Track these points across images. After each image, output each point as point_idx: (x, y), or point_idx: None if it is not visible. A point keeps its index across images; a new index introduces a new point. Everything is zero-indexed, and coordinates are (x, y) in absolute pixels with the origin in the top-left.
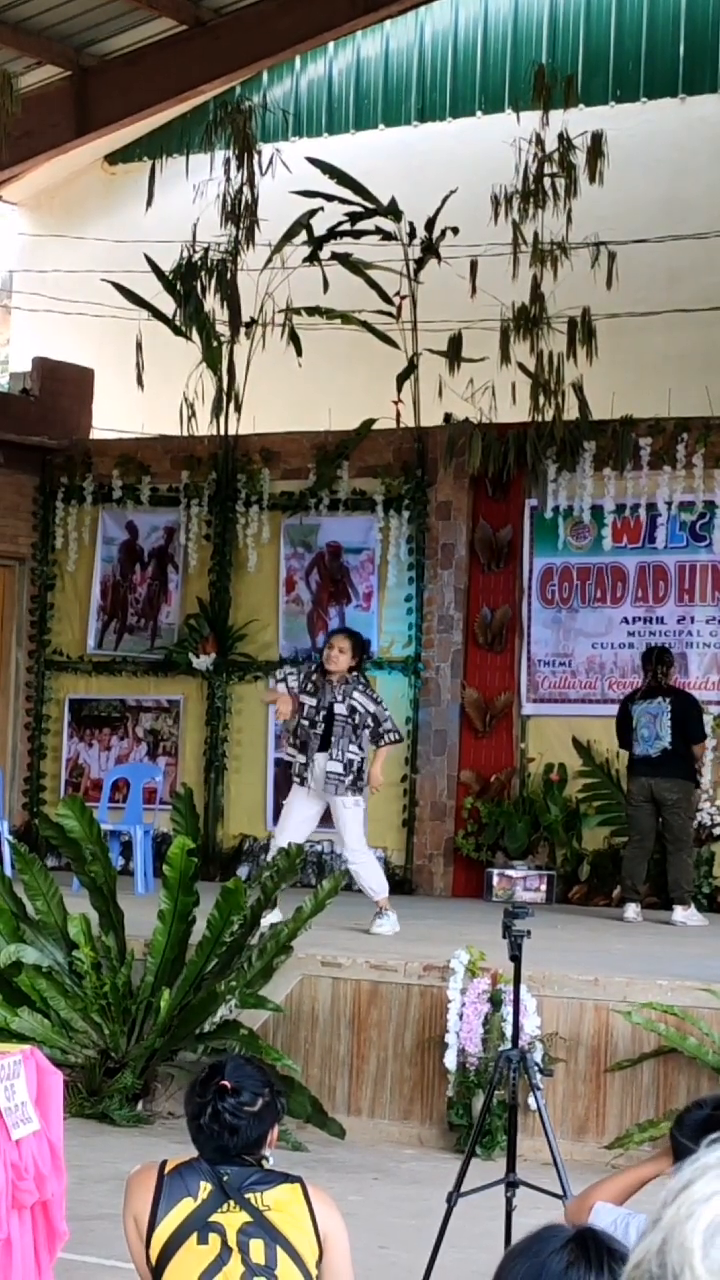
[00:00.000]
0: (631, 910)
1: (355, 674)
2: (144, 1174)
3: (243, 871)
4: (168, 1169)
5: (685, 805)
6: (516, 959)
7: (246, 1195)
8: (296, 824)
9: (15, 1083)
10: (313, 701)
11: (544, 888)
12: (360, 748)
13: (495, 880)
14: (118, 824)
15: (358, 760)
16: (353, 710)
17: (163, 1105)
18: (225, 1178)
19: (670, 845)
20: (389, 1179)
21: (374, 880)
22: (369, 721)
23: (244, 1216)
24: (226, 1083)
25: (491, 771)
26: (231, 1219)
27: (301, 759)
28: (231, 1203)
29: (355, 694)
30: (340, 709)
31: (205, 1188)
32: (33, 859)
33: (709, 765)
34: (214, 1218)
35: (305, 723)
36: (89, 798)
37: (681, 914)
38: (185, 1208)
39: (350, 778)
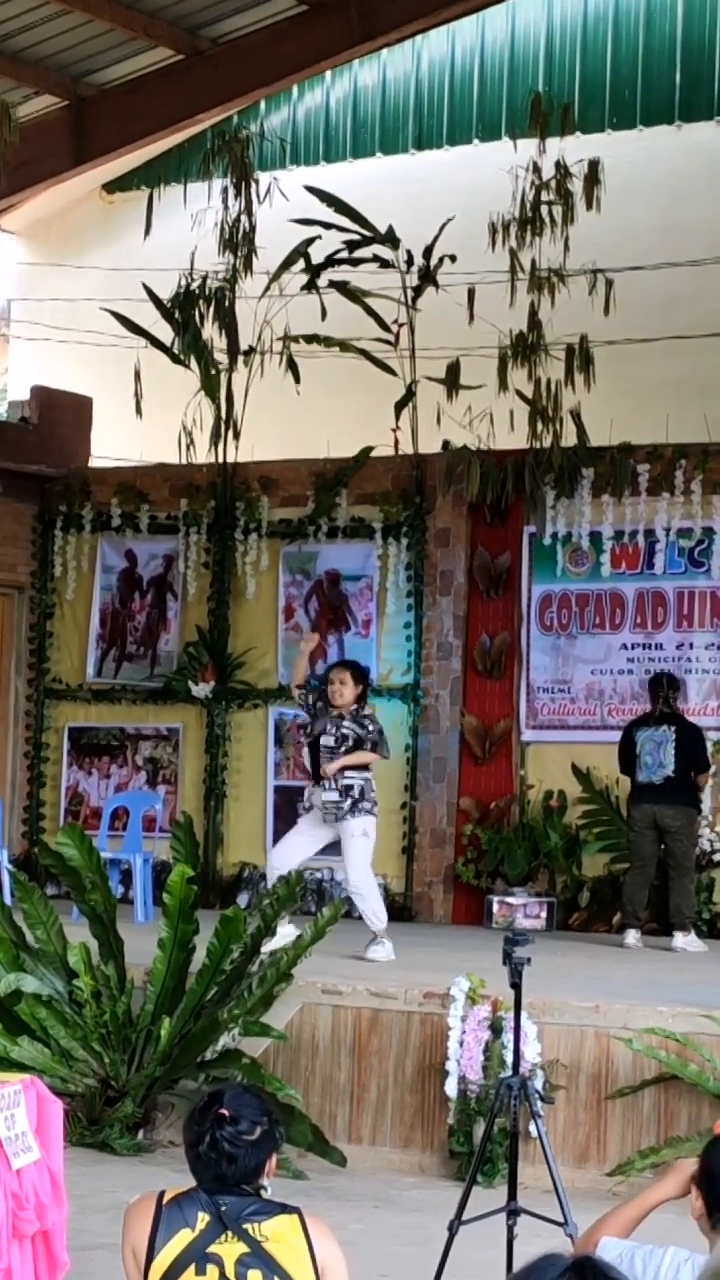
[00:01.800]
0: (632, 936)
1: (358, 707)
2: (142, 1204)
3: (242, 899)
4: (166, 1199)
5: (688, 832)
6: (517, 986)
7: (244, 1226)
8: (291, 845)
9: (15, 1112)
10: (305, 732)
11: (544, 915)
12: (356, 771)
13: (496, 907)
14: (117, 852)
15: (358, 784)
16: (342, 739)
17: (163, 1134)
18: (223, 1208)
19: (673, 871)
20: (390, 1207)
21: (374, 910)
22: (358, 743)
23: (242, 1247)
24: (225, 1111)
25: (491, 798)
26: (230, 1250)
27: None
28: (230, 1233)
29: (344, 724)
30: (327, 740)
31: (203, 1218)
32: (32, 887)
33: (709, 792)
34: (212, 1248)
35: (307, 748)
36: (88, 826)
37: (682, 940)
38: (183, 1238)
39: (349, 803)
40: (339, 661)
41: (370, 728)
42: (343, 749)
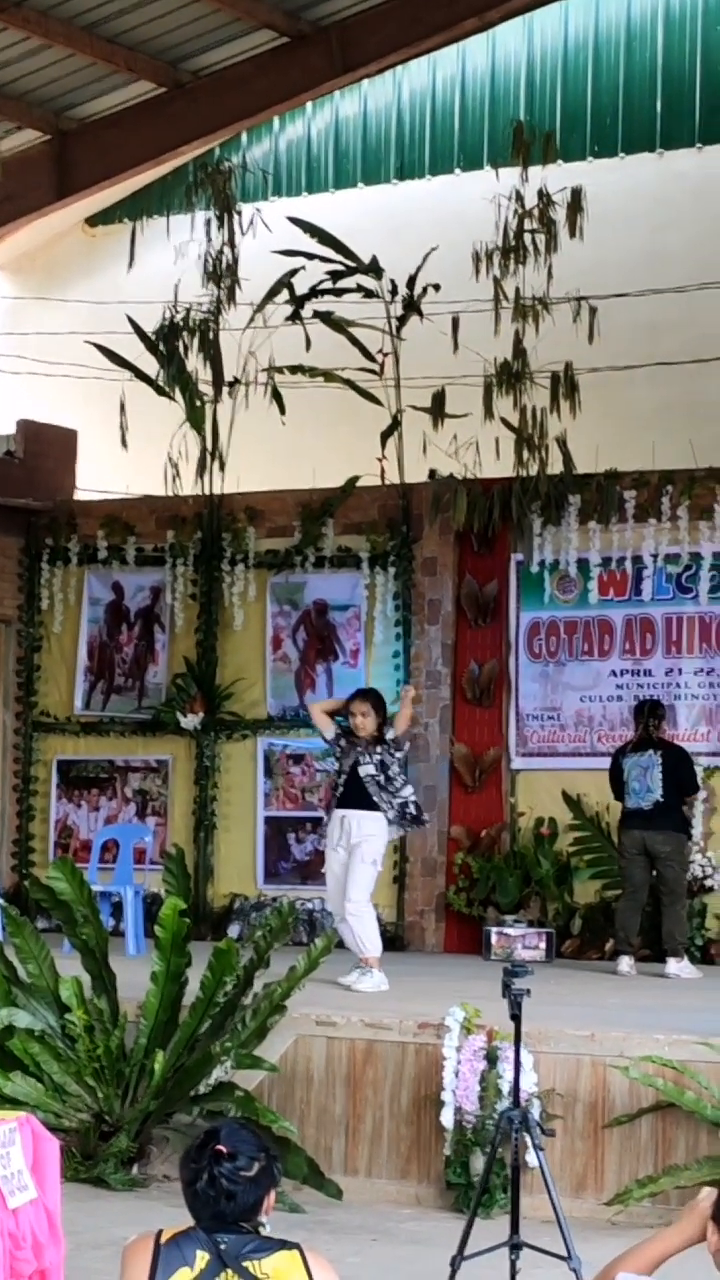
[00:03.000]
0: (625, 963)
1: (381, 735)
2: (140, 1245)
3: (234, 930)
4: (164, 1239)
5: (679, 857)
6: (517, 1018)
7: (244, 1264)
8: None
9: (11, 1150)
10: (336, 766)
11: (543, 945)
12: (396, 794)
13: (494, 939)
14: (108, 885)
15: (406, 804)
16: (382, 766)
17: (158, 1168)
18: (223, 1246)
19: (665, 898)
20: (388, 1239)
21: (368, 935)
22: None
23: None
24: (222, 1148)
25: (482, 826)
26: None
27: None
28: (229, 1271)
29: (376, 751)
30: (367, 769)
31: (203, 1257)
32: (24, 922)
33: (699, 817)
34: None
35: (330, 787)
36: (78, 859)
37: (675, 966)
38: (183, 1278)
39: (407, 818)
40: (358, 693)
41: (393, 756)
42: (382, 776)
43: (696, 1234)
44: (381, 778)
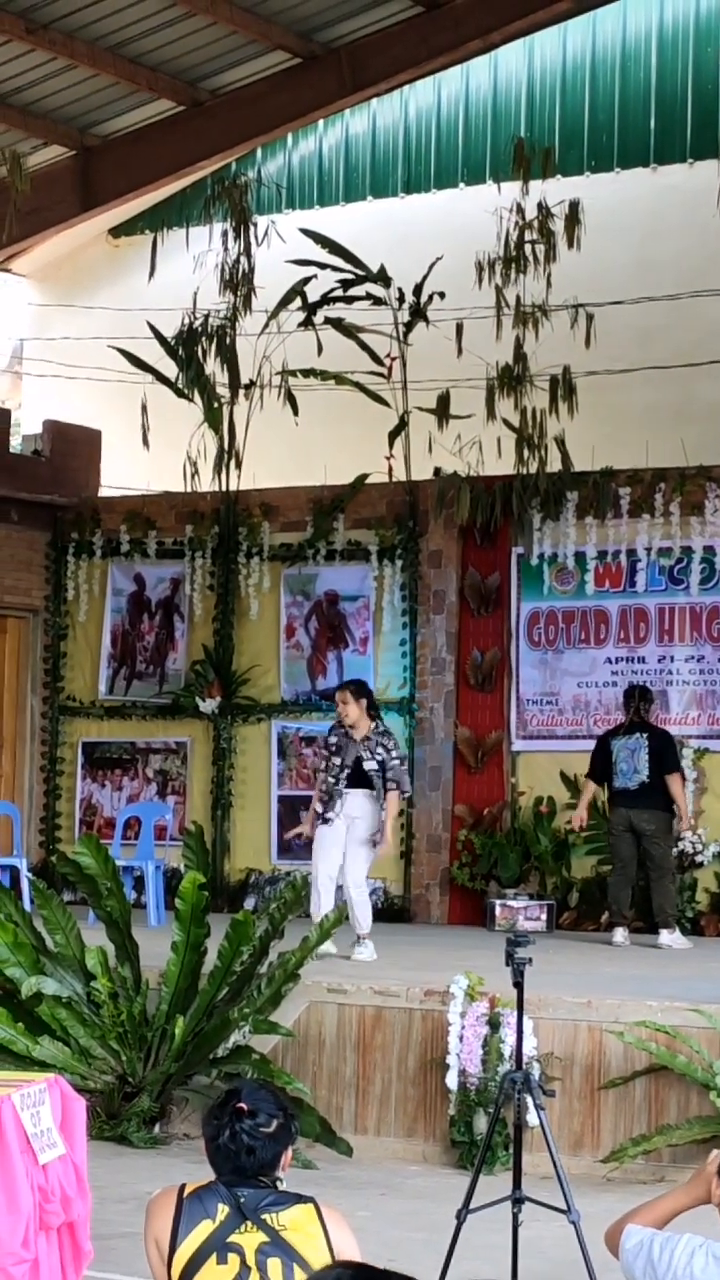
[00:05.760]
0: (619, 935)
1: (377, 724)
2: (164, 1198)
3: (249, 903)
4: (186, 1192)
5: (663, 835)
6: (519, 985)
7: (263, 1216)
8: (333, 861)
9: (41, 1109)
10: (338, 760)
11: (544, 917)
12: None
13: (498, 910)
14: (130, 860)
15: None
16: (381, 765)
17: (179, 1127)
18: (242, 1199)
19: (653, 873)
20: (396, 1194)
21: (364, 914)
22: (382, 770)
23: (261, 1236)
24: (243, 1105)
25: (484, 805)
26: (249, 1239)
27: (321, 809)
28: (249, 1223)
29: (378, 749)
30: (370, 764)
31: (223, 1209)
32: (51, 895)
33: (690, 797)
34: (232, 1238)
35: (331, 779)
36: (102, 835)
37: (667, 937)
38: (204, 1229)
39: (381, 779)
40: (339, 685)
41: (392, 756)
42: (385, 774)
43: (704, 1194)
44: (382, 774)
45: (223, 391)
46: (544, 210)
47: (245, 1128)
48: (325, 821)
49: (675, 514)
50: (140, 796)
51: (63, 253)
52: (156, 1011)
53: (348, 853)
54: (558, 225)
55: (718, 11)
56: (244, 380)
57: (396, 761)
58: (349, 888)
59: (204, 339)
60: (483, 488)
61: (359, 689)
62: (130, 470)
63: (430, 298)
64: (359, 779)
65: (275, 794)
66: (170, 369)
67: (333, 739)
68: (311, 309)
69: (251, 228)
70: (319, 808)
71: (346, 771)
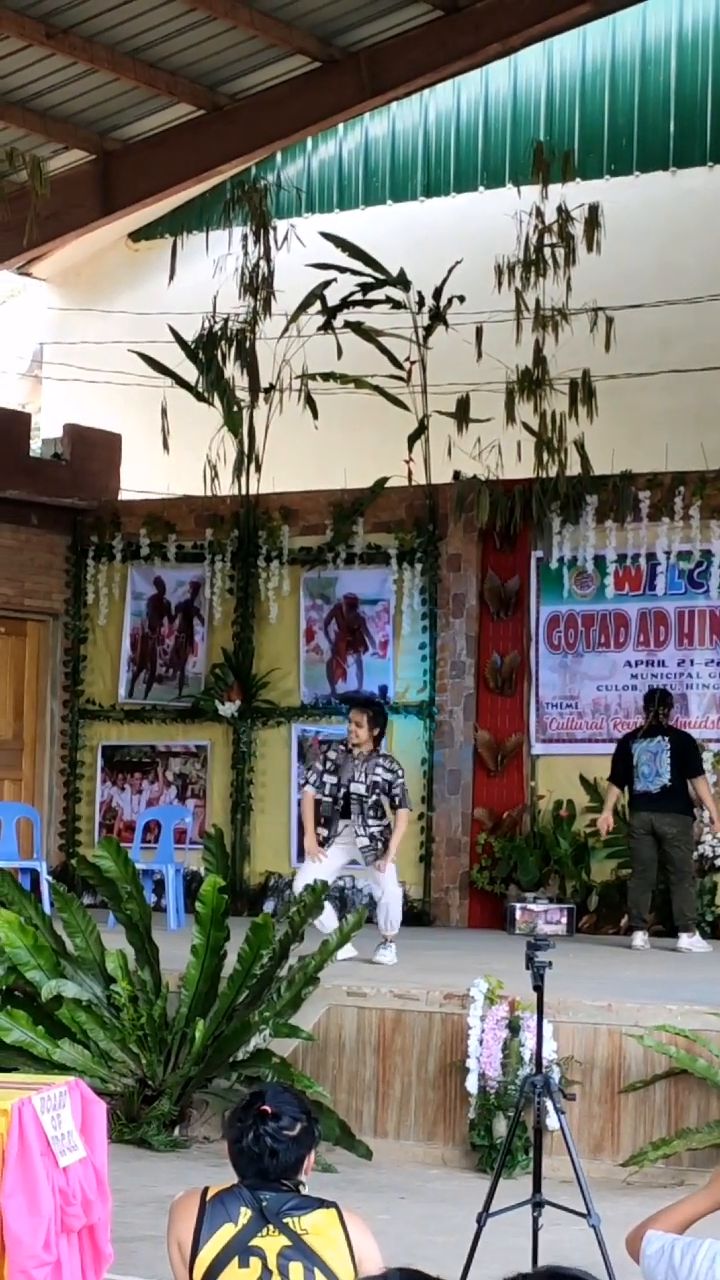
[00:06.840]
0: (639, 938)
1: (377, 749)
2: (187, 1201)
3: (268, 906)
4: (209, 1195)
5: (684, 838)
6: (539, 989)
7: (285, 1220)
8: (316, 868)
9: (61, 1112)
10: (334, 780)
11: (565, 921)
12: (381, 818)
13: (518, 914)
14: (150, 863)
15: (382, 830)
16: (373, 787)
17: (198, 1130)
18: (264, 1203)
19: (673, 876)
20: (416, 1198)
21: (396, 916)
22: (386, 790)
23: (283, 1240)
24: (267, 1108)
25: (504, 808)
26: (271, 1243)
27: (324, 833)
28: (271, 1227)
29: (376, 769)
30: (357, 788)
31: (245, 1213)
32: (71, 898)
33: (715, 799)
34: (254, 1241)
35: (329, 799)
36: (122, 839)
37: (686, 941)
38: (227, 1232)
39: (380, 845)
40: (356, 702)
41: (398, 776)
42: (373, 798)
43: None
44: (370, 800)
45: (242, 395)
46: (564, 214)
47: (269, 1130)
48: (325, 842)
49: (695, 517)
50: (160, 800)
51: (83, 257)
52: (176, 1015)
53: (381, 876)
54: (577, 229)
55: None
56: (264, 384)
57: (401, 780)
58: (385, 894)
59: (224, 343)
60: (502, 491)
61: (375, 718)
62: (150, 474)
63: (450, 301)
64: (347, 802)
65: (295, 797)
66: (190, 373)
67: (332, 754)
68: (331, 313)
69: (271, 231)
70: (324, 832)
71: (342, 791)
